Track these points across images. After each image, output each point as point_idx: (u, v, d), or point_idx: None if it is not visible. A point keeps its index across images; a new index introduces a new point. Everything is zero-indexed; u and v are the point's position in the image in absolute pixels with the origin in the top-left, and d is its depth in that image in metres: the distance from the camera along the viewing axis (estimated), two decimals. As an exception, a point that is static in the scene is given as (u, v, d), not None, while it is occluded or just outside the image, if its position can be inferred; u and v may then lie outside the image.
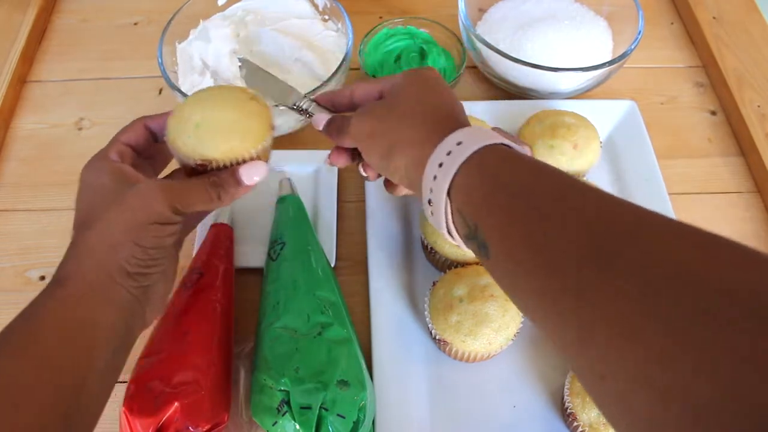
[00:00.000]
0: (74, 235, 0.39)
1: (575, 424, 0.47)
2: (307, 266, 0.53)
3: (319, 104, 0.49)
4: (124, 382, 0.46)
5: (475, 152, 0.36)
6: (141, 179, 0.40)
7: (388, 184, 0.48)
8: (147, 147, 0.44)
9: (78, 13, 0.83)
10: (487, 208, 0.35)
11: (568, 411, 0.48)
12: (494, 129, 0.41)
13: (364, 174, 0.47)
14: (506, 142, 0.38)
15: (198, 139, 0.40)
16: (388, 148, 0.41)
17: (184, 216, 0.40)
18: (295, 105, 0.49)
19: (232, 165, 0.41)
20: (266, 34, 0.68)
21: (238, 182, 0.41)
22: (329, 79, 0.60)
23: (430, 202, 0.38)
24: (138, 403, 0.44)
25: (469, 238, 0.37)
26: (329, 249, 0.58)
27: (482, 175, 0.36)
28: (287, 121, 0.63)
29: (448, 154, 0.37)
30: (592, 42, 0.70)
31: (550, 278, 0.30)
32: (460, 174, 0.36)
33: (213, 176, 0.41)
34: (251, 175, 0.41)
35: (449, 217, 0.38)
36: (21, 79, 0.74)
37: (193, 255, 0.56)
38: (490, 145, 0.37)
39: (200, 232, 0.59)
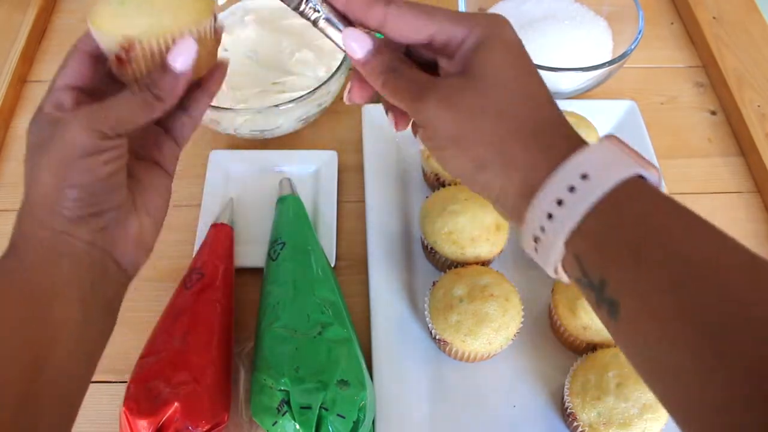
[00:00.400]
0: (21, 203, 0.36)
1: (575, 424, 0.47)
2: (307, 266, 0.53)
3: (334, 9, 0.35)
4: (124, 382, 0.46)
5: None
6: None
7: (416, 129, 0.38)
8: (96, 79, 0.37)
9: (78, 13, 0.83)
10: (621, 263, 0.28)
11: (568, 411, 0.48)
12: (609, 138, 0.31)
13: (391, 121, 0.39)
14: (640, 171, 0.30)
15: (123, 15, 0.35)
16: (479, 162, 0.33)
17: (120, 138, 0.34)
18: (300, 6, 0.36)
19: (164, 56, 0.35)
20: (266, 34, 0.68)
21: (168, 71, 0.34)
22: (329, 79, 0.60)
23: (536, 239, 0.31)
24: (138, 403, 0.44)
25: (586, 286, 0.30)
26: (329, 249, 0.58)
27: (617, 223, 0.29)
28: (288, 121, 0.63)
29: (571, 190, 0.29)
30: (592, 42, 0.70)
31: (715, 362, 0.24)
32: (586, 218, 0.29)
33: (142, 78, 0.35)
34: (177, 55, 0.34)
35: (559, 257, 0.31)
36: (21, 79, 0.74)
37: (193, 255, 0.56)
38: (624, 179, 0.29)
39: (200, 232, 0.59)
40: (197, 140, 0.69)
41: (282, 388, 0.45)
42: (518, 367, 0.54)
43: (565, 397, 0.49)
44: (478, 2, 0.75)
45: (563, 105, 0.65)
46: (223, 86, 0.63)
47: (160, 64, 0.34)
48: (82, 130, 0.33)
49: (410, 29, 0.34)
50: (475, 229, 0.54)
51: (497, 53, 0.34)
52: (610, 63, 0.64)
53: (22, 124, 0.71)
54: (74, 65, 0.36)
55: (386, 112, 0.39)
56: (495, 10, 0.75)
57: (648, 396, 0.46)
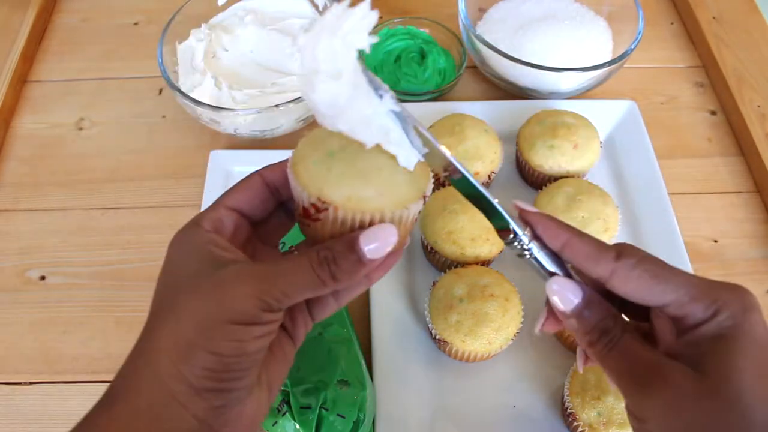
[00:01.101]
0: (141, 333, 0.30)
1: (575, 424, 0.47)
2: (307, 266, 0.53)
3: (541, 244, 0.33)
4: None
5: None
6: (233, 259, 0.30)
7: None
8: (264, 210, 0.34)
9: (78, 12, 0.83)
10: None
11: (568, 411, 0.48)
12: None
13: (539, 331, 0.36)
14: None
15: (325, 169, 0.30)
16: None
17: (280, 311, 0.30)
18: (512, 237, 0.34)
19: (354, 226, 0.30)
20: (266, 34, 0.68)
21: (355, 253, 0.29)
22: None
23: None
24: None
25: None
26: (329, 249, 0.58)
27: None
28: (288, 121, 0.63)
29: None
30: (592, 42, 0.70)
31: None
32: None
33: (323, 248, 0.30)
34: (375, 242, 0.29)
35: None
36: (21, 79, 0.74)
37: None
38: None
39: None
40: (197, 140, 0.70)
41: (282, 388, 0.45)
42: (518, 367, 0.54)
43: (565, 397, 0.49)
44: (478, 2, 0.75)
45: (563, 105, 0.65)
46: (223, 86, 0.64)
47: (348, 242, 0.30)
48: (250, 293, 0.28)
49: (641, 292, 0.30)
50: (475, 229, 0.54)
51: (743, 358, 0.28)
52: (610, 63, 0.64)
53: (22, 124, 0.72)
54: (249, 192, 0.33)
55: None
56: (495, 10, 0.75)
57: (648, 396, 0.46)
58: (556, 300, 0.32)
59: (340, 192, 0.30)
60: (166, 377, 0.28)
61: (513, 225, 0.33)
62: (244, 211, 0.33)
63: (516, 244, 0.34)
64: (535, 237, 0.33)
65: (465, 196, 0.34)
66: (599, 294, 0.33)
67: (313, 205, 0.30)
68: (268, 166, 0.33)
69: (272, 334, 0.30)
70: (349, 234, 0.30)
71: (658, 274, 0.30)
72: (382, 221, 0.30)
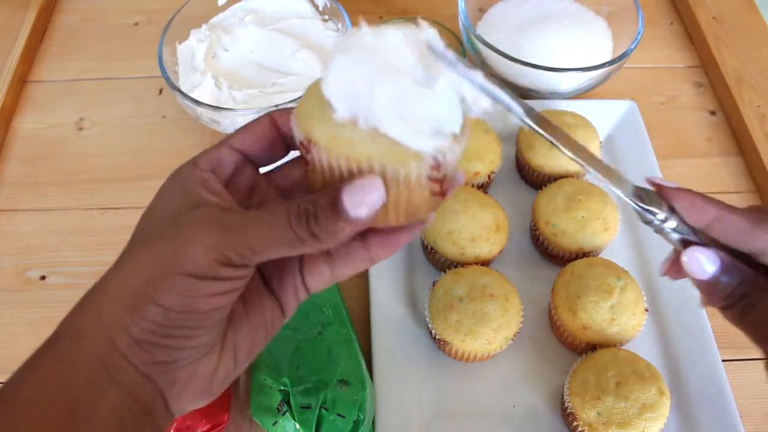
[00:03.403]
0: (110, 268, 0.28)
1: (575, 423, 0.47)
2: (307, 266, 0.53)
3: (684, 224, 0.31)
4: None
5: None
6: (217, 204, 0.27)
7: None
8: (273, 155, 0.31)
9: (78, 12, 0.83)
10: None
11: (568, 411, 0.48)
12: None
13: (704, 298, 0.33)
14: None
15: (323, 106, 0.26)
16: None
17: (245, 268, 0.27)
18: (651, 212, 0.31)
19: (342, 176, 0.26)
20: (266, 34, 0.68)
21: (337, 208, 0.26)
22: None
23: None
24: (138, 402, 0.44)
25: None
26: (329, 249, 0.58)
27: None
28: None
29: None
30: (592, 42, 0.70)
31: None
32: None
33: (306, 200, 0.26)
34: (353, 194, 0.25)
35: None
36: (21, 79, 0.74)
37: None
38: None
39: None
40: (197, 140, 0.70)
41: (282, 387, 0.45)
42: (518, 367, 0.54)
43: (565, 396, 0.49)
44: (478, 2, 0.75)
45: (563, 105, 0.65)
46: (223, 86, 0.64)
47: (332, 194, 0.26)
48: (205, 247, 0.25)
49: None
50: (475, 229, 0.54)
51: None
52: (610, 63, 0.64)
53: (22, 124, 0.72)
54: (256, 133, 0.30)
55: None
56: (495, 10, 0.75)
57: (647, 396, 0.46)
58: (691, 270, 0.30)
59: (326, 130, 0.26)
60: (109, 325, 0.26)
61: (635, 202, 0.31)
62: (249, 153, 0.30)
63: (646, 215, 0.31)
64: (672, 210, 0.31)
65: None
66: (736, 256, 0.31)
67: (302, 143, 0.27)
68: (280, 109, 0.31)
69: (233, 294, 0.27)
70: (335, 184, 0.26)
71: None
72: (371, 172, 0.26)
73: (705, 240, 0.31)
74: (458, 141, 0.28)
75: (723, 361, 0.52)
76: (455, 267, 0.54)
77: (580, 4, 0.74)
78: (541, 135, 0.30)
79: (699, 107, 0.74)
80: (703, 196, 0.31)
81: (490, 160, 0.59)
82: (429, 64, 0.27)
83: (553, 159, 0.60)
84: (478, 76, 0.28)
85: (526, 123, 0.29)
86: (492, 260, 0.57)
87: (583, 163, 0.31)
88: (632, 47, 0.65)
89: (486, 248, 0.54)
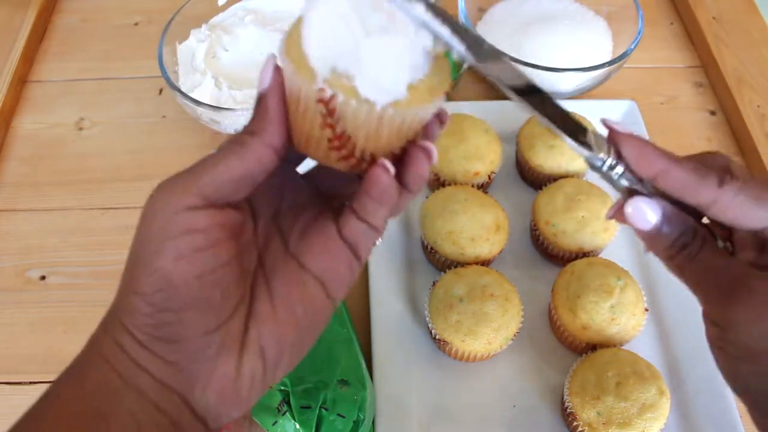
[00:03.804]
0: None
1: (575, 423, 0.47)
2: (307, 266, 0.53)
3: (630, 174, 0.31)
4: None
5: None
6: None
7: None
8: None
9: (78, 12, 0.83)
10: None
11: (568, 411, 0.48)
12: None
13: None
14: None
15: (333, 44, 0.26)
16: None
17: (223, 212, 0.26)
18: (597, 158, 0.31)
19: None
20: (266, 34, 0.68)
21: (261, 97, 0.27)
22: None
23: None
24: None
25: None
26: (329, 249, 0.58)
27: None
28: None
29: None
30: (592, 42, 0.70)
31: None
32: None
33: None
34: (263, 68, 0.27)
35: None
36: (21, 79, 0.74)
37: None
38: None
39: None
40: (197, 140, 0.70)
41: (282, 387, 0.45)
42: (518, 367, 0.54)
43: (565, 396, 0.49)
44: (478, 2, 0.75)
45: (563, 105, 0.65)
46: (223, 86, 0.64)
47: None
48: (182, 193, 0.25)
49: (741, 218, 0.29)
50: (475, 229, 0.54)
51: None
52: (610, 63, 0.64)
53: (22, 124, 0.72)
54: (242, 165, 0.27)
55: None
56: (495, 10, 0.75)
57: (647, 395, 0.46)
58: (633, 221, 0.31)
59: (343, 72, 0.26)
60: (114, 330, 0.26)
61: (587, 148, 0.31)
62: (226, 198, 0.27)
63: (593, 160, 0.31)
64: (620, 157, 0.31)
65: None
66: (678, 206, 0.31)
67: (319, 96, 0.27)
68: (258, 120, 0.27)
69: (220, 247, 0.26)
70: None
71: (760, 197, 0.29)
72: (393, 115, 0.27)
73: (650, 189, 0.31)
74: (417, 90, 0.27)
75: (723, 361, 0.52)
76: (455, 267, 0.54)
77: (580, 4, 0.74)
78: (487, 76, 0.29)
79: (699, 107, 0.74)
80: (653, 147, 0.30)
81: (490, 160, 0.59)
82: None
83: (553, 159, 0.60)
84: (418, 8, 0.27)
85: (469, 62, 0.28)
86: (492, 260, 0.57)
87: (534, 106, 0.30)
88: (632, 47, 0.65)
89: (486, 248, 0.54)
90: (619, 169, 0.31)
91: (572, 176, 0.60)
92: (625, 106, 0.67)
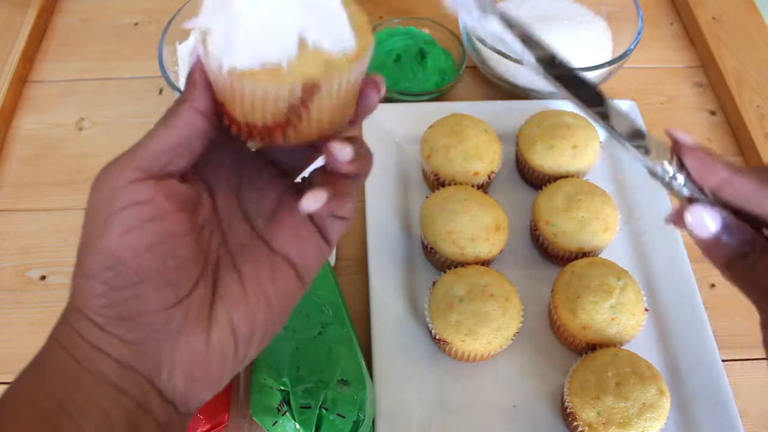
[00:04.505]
0: None
1: (575, 423, 0.47)
2: (307, 266, 0.53)
3: (689, 179, 0.31)
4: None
5: None
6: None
7: None
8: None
9: (78, 13, 0.83)
10: None
11: (568, 411, 0.48)
12: None
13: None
14: None
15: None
16: None
17: (166, 181, 0.26)
18: (658, 167, 0.31)
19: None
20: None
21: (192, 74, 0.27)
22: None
23: None
24: (138, 402, 0.44)
25: None
26: (329, 249, 0.58)
27: None
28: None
29: None
30: (592, 42, 0.70)
31: None
32: None
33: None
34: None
35: None
36: (22, 79, 0.74)
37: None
38: None
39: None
40: (197, 140, 0.70)
41: (282, 387, 0.45)
42: (518, 367, 0.54)
43: (565, 396, 0.49)
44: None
45: (563, 105, 0.65)
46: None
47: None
48: (123, 169, 0.26)
49: None
50: (475, 229, 0.54)
51: None
52: (609, 63, 0.64)
53: (22, 124, 0.72)
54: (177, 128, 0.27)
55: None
56: (495, 10, 0.75)
57: (647, 395, 0.46)
58: (693, 228, 0.30)
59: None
60: (69, 318, 0.26)
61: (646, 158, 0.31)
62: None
63: (654, 169, 0.31)
64: (682, 166, 0.31)
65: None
66: (738, 215, 0.31)
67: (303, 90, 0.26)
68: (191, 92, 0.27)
69: (156, 222, 0.25)
70: None
71: None
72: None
73: (711, 198, 0.31)
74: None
75: (723, 361, 0.52)
76: (455, 267, 0.54)
77: (580, 4, 0.74)
78: (562, 92, 0.30)
79: (699, 107, 0.74)
80: (715, 157, 0.30)
81: (490, 160, 0.59)
82: None
83: (553, 159, 0.60)
84: (493, 23, 0.27)
85: (541, 75, 0.29)
86: (492, 260, 0.57)
87: (600, 116, 0.30)
88: (632, 47, 0.65)
89: (486, 248, 0.54)
90: (681, 178, 0.31)
91: (572, 176, 0.60)
92: (625, 106, 0.67)
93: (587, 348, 0.52)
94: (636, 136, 0.31)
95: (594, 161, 0.61)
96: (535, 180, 0.63)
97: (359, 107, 0.29)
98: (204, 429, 0.45)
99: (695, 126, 0.72)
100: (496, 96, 0.73)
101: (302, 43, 0.25)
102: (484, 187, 0.61)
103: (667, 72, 0.77)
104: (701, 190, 0.31)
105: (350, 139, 0.28)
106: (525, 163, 0.62)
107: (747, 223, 0.31)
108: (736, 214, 0.31)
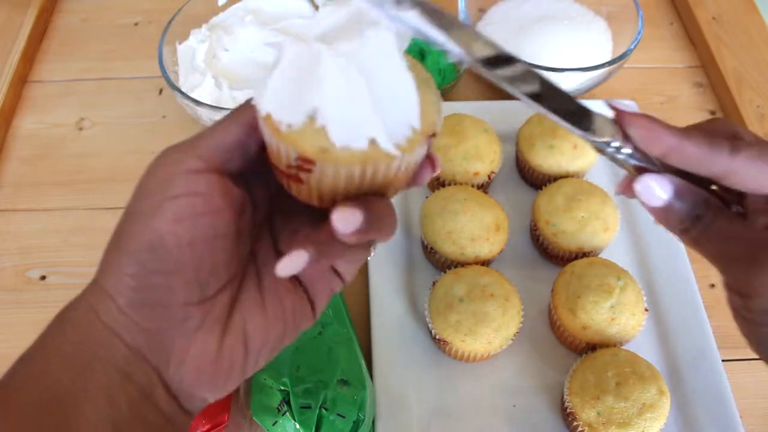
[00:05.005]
0: None
1: (575, 423, 0.47)
2: (307, 266, 0.53)
3: (637, 154, 0.30)
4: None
5: None
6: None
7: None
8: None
9: (78, 13, 0.83)
10: None
11: (568, 411, 0.48)
12: None
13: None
14: None
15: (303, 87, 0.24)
16: None
17: (212, 175, 0.25)
18: (603, 142, 0.30)
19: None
20: (266, 34, 0.68)
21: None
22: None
23: None
24: (138, 402, 0.44)
25: None
26: (329, 249, 0.58)
27: None
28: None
29: None
30: (592, 42, 0.70)
31: None
32: None
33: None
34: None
35: None
36: (22, 79, 0.75)
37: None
38: None
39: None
40: (197, 140, 0.70)
41: (282, 387, 0.45)
42: (518, 367, 0.54)
43: (565, 396, 0.49)
44: (478, 2, 0.75)
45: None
46: (224, 86, 0.64)
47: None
48: (184, 156, 0.26)
49: (757, 185, 0.29)
50: (475, 229, 0.54)
51: None
52: (609, 63, 0.64)
53: (22, 124, 0.72)
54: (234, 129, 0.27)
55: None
56: (495, 10, 0.75)
57: (647, 395, 0.46)
58: (644, 199, 0.30)
59: (312, 143, 0.24)
60: (90, 298, 0.26)
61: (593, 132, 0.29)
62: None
63: (599, 144, 0.30)
64: (626, 137, 0.30)
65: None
66: (687, 178, 0.30)
67: (295, 163, 0.25)
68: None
69: (206, 217, 0.25)
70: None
71: None
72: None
73: (658, 164, 0.30)
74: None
75: (723, 361, 0.52)
76: (455, 267, 0.54)
77: (580, 4, 0.74)
78: (494, 82, 0.27)
79: (699, 107, 0.74)
80: (660, 124, 0.29)
81: (490, 160, 0.59)
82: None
83: (553, 159, 0.60)
84: (411, 15, 0.24)
85: (471, 65, 0.26)
86: (492, 260, 0.57)
87: (537, 100, 0.29)
88: (632, 47, 0.65)
89: (486, 248, 0.54)
90: (627, 149, 0.30)
91: (572, 176, 0.60)
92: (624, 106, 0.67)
93: (587, 348, 0.52)
94: (580, 117, 0.29)
95: (594, 161, 0.61)
96: (535, 180, 0.63)
97: (409, 181, 0.27)
98: (204, 429, 0.45)
99: (695, 126, 0.72)
100: (496, 96, 0.73)
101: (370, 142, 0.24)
102: (484, 187, 0.61)
103: (667, 72, 0.77)
104: (647, 157, 0.30)
105: (366, 204, 0.25)
106: (525, 163, 0.62)
107: (696, 185, 0.30)
108: (685, 176, 0.30)
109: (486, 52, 0.26)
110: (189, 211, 0.25)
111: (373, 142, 0.24)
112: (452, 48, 0.25)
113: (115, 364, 0.25)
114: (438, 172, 0.28)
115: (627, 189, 0.31)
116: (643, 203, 0.30)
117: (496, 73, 0.27)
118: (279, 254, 0.29)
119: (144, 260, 0.25)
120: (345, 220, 0.24)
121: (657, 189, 0.30)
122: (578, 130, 0.29)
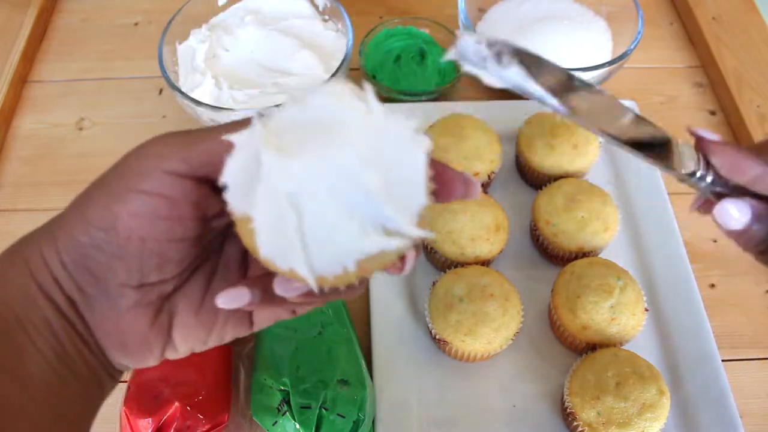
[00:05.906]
0: None
1: (575, 423, 0.47)
2: (307, 266, 0.53)
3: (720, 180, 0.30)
4: (125, 381, 0.46)
5: None
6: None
7: None
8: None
9: (78, 12, 0.83)
10: None
11: (568, 411, 0.48)
12: None
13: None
14: None
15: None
16: None
17: (188, 181, 0.25)
18: (686, 174, 0.30)
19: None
20: (266, 34, 0.68)
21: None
22: (329, 80, 0.61)
23: None
24: (138, 402, 0.44)
25: None
26: (329, 249, 0.58)
27: None
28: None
29: None
30: (592, 42, 0.70)
31: None
32: None
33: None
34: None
35: None
36: (22, 79, 0.74)
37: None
38: None
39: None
40: (197, 140, 0.70)
41: (282, 387, 0.45)
42: (518, 367, 0.54)
43: (565, 396, 0.49)
44: (478, 2, 0.75)
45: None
46: (223, 86, 0.64)
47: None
48: (170, 154, 0.25)
49: None
50: (475, 229, 0.54)
51: None
52: (609, 63, 0.64)
53: (22, 124, 0.72)
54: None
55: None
56: (495, 10, 0.75)
57: (647, 395, 0.46)
58: (723, 222, 0.30)
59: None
60: (43, 243, 0.27)
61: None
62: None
63: (683, 178, 0.30)
64: (708, 165, 0.30)
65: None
66: (764, 199, 0.30)
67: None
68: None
69: (165, 222, 0.25)
70: None
71: None
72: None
73: (737, 190, 0.30)
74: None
75: (723, 361, 0.52)
76: (455, 267, 0.54)
77: (580, 4, 0.74)
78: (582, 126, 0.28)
79: (699, 107, 0.74)
80: (744, 153, 0.30)
81: (490, 160, 0.59)
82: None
83: (553, 159, 0.60)
84: (514, 72, 0.25)
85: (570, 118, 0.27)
86: (492, 260, 0.57)
87: (618, 135, 0.29)
88: (632, 47, 0.65)
89: (486, 248, 0.54)
90: (709, 177, 0.30)
91: (572, 176, 0.60)
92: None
93: (587, 348, 0.52)
94: (660, 145, 0.30)
95: (594, 161, 0.61)
96: (535, 180, 0.63)
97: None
98: (204, 429, 0.45)
99: (695, 126, 0.72)
100: (496, 96, 0.73)
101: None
102: (484, 187, 0.61)
103: (667, 72, 0.77)
104: (727, 184, 0.30)
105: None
106: (525, 163, 0.62)
107: None
108: (761, 198, 0.30)
109: (584, 104, 0.27)
110: (150, 211, 0.25)
111: (292, 270, 0.22)
112: (552, 103, 0.27)
113: (57, 308, 0.26)
114: (407, 269, 0.25)
115: (703, 209, 0.32)
116: (720, 227, 0.31)
117: (600, 127, 0.28)
118: (246, 261, 0.29)
119: (93, 234, 0.25)
120: (286, 290, 0.24)
121: (736, 213, 0.30)
122: (662, 167, 0.30)
